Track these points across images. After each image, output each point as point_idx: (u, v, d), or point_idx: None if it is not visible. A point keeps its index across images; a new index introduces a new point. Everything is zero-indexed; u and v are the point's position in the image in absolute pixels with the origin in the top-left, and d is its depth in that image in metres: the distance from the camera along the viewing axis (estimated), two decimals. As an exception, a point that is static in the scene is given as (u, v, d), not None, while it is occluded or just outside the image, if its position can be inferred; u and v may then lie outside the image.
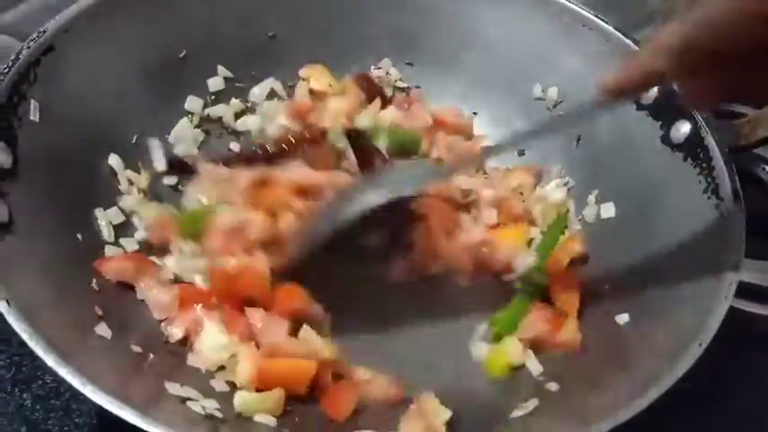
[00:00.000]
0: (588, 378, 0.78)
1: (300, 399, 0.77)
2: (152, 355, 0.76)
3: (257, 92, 1.03)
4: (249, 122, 1.02)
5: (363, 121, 1.00)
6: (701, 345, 0.70)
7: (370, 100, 1.03)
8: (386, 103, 1.04)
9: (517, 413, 0.76)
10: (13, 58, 0.80)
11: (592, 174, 0.98)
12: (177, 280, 0.85)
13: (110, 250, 0.85)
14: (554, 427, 0.75)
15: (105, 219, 0.87)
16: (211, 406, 0.72)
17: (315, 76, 1.04)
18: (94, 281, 0.80)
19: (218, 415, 0.72)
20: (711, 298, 0.74)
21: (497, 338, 0.86)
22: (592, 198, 0.96)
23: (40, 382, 0.86)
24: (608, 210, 0.93)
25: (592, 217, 0.95)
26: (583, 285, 0.88)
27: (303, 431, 0.75)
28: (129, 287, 0.84)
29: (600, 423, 0.65)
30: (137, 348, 0.76)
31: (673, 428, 0.83)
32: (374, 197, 0.80)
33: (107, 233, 0.86)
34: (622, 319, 0.82)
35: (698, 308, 0.74)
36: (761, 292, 0.95)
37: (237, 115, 1.03)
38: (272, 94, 1.05)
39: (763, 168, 1.10)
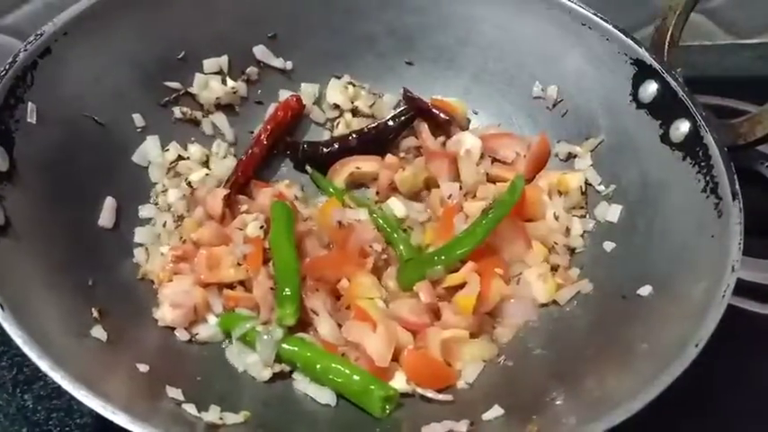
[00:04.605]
0: (584, 378, 0.77)
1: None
2: (147, 357, 0.76)
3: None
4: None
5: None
6: (696, 345, 0.69)
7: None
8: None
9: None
10: (9, 60, 0.81)
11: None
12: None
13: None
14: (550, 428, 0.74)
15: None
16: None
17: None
18: (90, 281, 0.81)
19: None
20: (709, 297, 0.73)
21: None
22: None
23: (42, 382, 0.87)
24: (613, 213, 0.93)
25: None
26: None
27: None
28: (126, 288, 0.85)
29: (594, 424, 0.65)
30: (131, 351, 0.77)
31: (669, 426, 0.83)
32: None
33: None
34: (618, 318, 0.82)
35: (695, 307, 0.73)
36: (760, 291, 0.94)
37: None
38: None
39: (765, 165, 1.09)
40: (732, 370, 0.88)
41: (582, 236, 0.95)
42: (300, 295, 0.83)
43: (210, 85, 1.00)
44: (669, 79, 0.89)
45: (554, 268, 0.92)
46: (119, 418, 0.61)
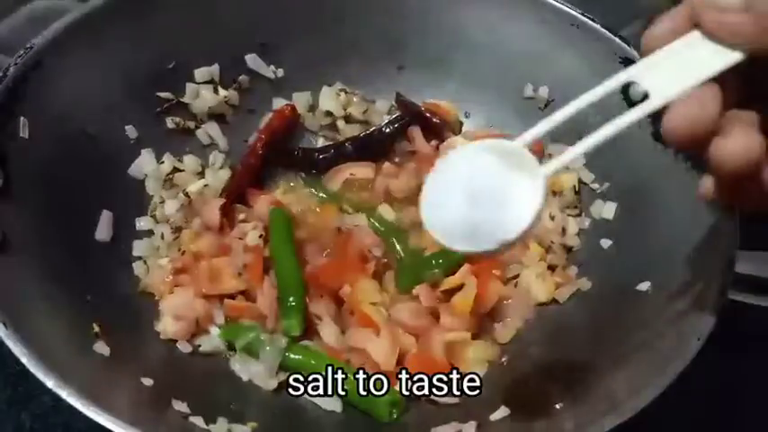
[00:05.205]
0: (587, 376, 0.78)
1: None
2: (151, 371, 0.76)
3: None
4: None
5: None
6: (699, 339, 0.70)
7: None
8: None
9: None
10: (0, 75, 0.80)
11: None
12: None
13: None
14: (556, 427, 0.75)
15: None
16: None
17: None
18: (89, 297, 0.80)
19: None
20: (708, 292, 0.74)
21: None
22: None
23: (38, 400, 0.86)
24: (609, 210, 0.94)
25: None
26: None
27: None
28: (126, 302, 0.84)
29: (600, 423, 0.66)
30: (135, 365, 0.76)
31: (671, 419, 0.83)
32: None
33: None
34: (618, 315, 0.82)
35: (694, 303, 0.74)
36: (756, 283, 0.95)
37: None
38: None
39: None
40: (728, 362, 0.88)
41: (578, 234, 0.95)
42: (305, 304, 0.84)
43: (202, 94, 1.00)
44: (658, 77, 0.90)
45: (552, 268, 0.93)
46: (130, 434, 0.60)
